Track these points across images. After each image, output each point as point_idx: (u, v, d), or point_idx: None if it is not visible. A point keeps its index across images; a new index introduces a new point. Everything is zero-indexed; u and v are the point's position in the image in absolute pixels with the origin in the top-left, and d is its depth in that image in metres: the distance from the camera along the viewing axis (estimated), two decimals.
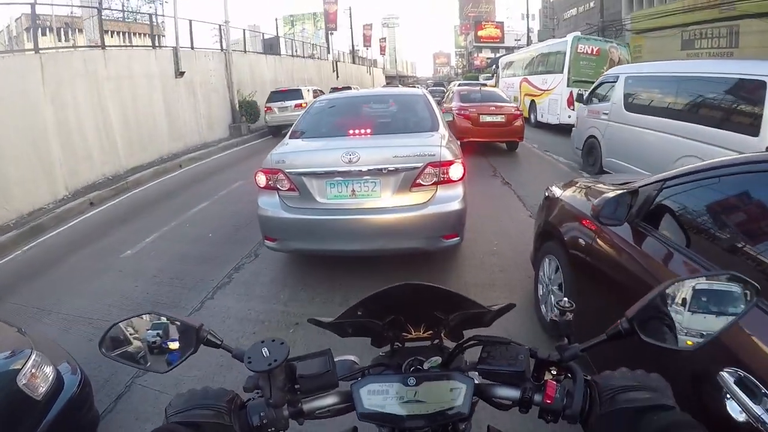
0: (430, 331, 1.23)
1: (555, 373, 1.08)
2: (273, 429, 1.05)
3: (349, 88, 26.28)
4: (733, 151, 5.87)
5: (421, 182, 5.01)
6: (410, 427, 1.05)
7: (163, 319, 1.20)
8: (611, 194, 2.99)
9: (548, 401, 1.02)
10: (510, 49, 51.70)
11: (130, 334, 1.19)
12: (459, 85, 24.30)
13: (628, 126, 9.45)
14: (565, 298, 1.13)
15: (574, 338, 1.09)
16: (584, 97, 12.23)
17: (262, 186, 5.37)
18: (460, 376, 1.06)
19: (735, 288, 1.04)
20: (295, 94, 21.25)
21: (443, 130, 5.67)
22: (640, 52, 24.53)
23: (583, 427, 1.01)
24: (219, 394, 1.08)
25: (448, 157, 5.04)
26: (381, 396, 1.06)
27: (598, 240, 3.25)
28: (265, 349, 1.03)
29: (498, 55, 57.98)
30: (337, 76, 42.83)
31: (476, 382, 1.08)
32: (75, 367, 3.17)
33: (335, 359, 1.13)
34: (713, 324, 1.02)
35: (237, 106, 21.18)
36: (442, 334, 1.25)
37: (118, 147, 13.49)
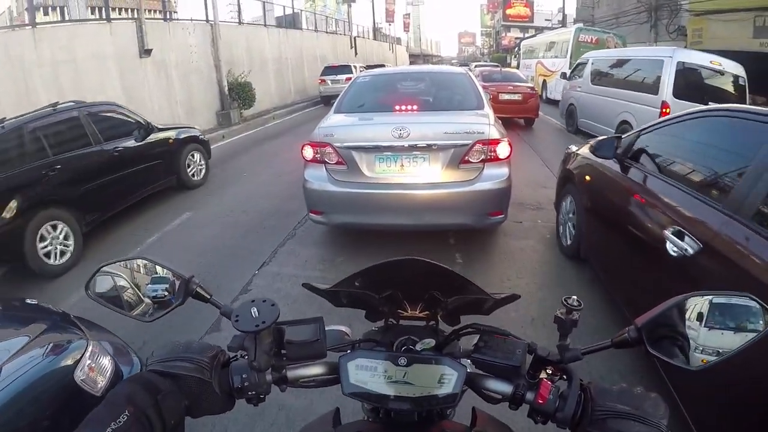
0: (427, 312, 1.21)
1: (550, 372, 1.02)
2: (254, 392, 1.03)
3: (383, 65, 26.67)
4: (646, 105, 10.41)
5: (470, 159, 5.07)
6: (393, 409, 1.04)
7: (154, 266, 1.16)
8: (603, 138, 4.69)
9: (540, 401, 0.98)
10: (540, 29, 52.27)
11: (119, 278, 1.16)
12: (477, 66, 29.31)
13: (593, 95, 13.37)
14: (574, 297, 1.03)
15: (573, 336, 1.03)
16: (567, 75, 16.71)
17: (309, 159, 5.42)
18: (453, 363, 1.02)
19: (752, 304, 0.98)
20: (345, 69, 24.88)
21: (488, 109, 5.73)
22: (701, 37, 20.30)
23: None
24: (203, 348, 1.04)
25: (496, 135, 5.11)
26: (369, 372, 1.03)
27: (598, 172, 4.71)
28: (254, 309, 0.99)
29: (527, 35, 55.58)
30: (356, 53, 39.60)
31: (468, 370, 1.04)
32: (131, 356, 2.96)
33: (326, 328, 1.09)
34: (730, 341, 0.97)
35: (226, 89, 18.36)
36: (438, 317, 1.22)
37: None
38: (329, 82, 24.83)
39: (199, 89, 17.19)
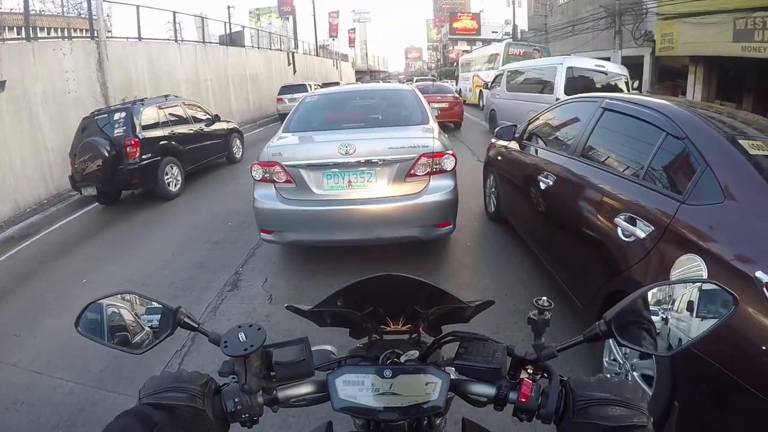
0: (409, 325, 1.26)
1: (531, 372, 1.07)
2: (247, 415, 1.05)
3: (337, 83, 29.69)
4: (546, 104, 10.76)
5: (416, 173, 5.29)
6: (385, 420, 1.06)
7: (142, 300, 1.19)
8: (503, 126, 6.95)
9: (523, 400, 1.02)
10: (487, 42, 54.90)
11: (108, 314, 1.17)
12: (416, 81, 35.87)
13: (508, 100, 16.19)
14: (544, 297, 1.11)
15: (547, 335, 1.10)
16: (489, 85, 20.73)
17: (258, 179, 5.57)
18: (436, 371, 1.06)
19: (717, 293, 1.04)
20: (302, 88, 25.56)
21: (433, 123, 6.04)
22: (671, 42, 19.15)
23: (557, 428, 1.01)
24: (193, 377, 1.06)
25: (440, 148, 5.37)
26: (356, 387, 1.06)
27: (506, 152, 6.49)
28: (242, 334, 1.04)
29: (474, 47, 58.03)
30: (295, 71, 36.76)
31: (452, 377, 1.08)
32: None
33: (312, 349, 1.14)
34: (694, 327, 1.02)
35: None
36: (420, 329, 1.28)
37: None
38: (286, 100, 25.67)
39: None
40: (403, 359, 1.13)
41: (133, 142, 9.77)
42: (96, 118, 10.31)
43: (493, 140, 7.34)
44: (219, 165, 13.48)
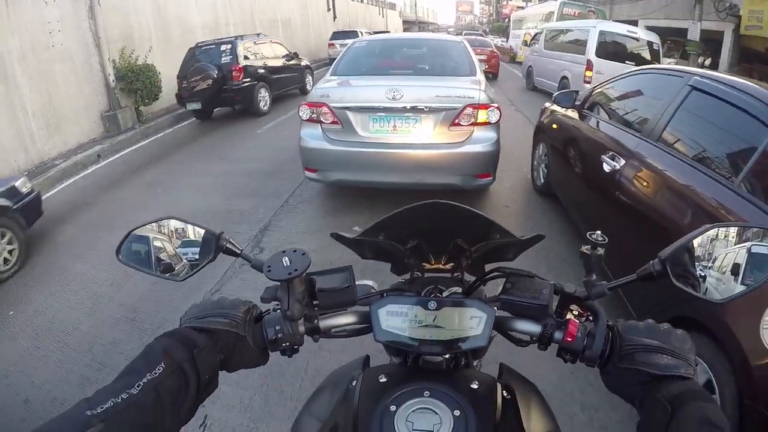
0: (451, 264, 1.27)
1: (576, 314, 1.06)
2: (288, 344, 1.06)
3: (387, 32, 31.01)
4: (577, 63, 13.74)
5: (460, 122, 5.40)
6: (426, 353, 1.07)
7: (183, 225, 1.19)
8: (563, 90, 6.13)
9: (569, 339, 1.00)
10: None
11: (149, 240, 1.18)
12: (464, 34, 35.10)
13: (544, 58, 16.75)
14: (598, 231, 1.07)
15: (599, 272, 1.06)
16: (527, 42, 22.06)
17: (305, 119, 5.77)
18: (482, 305, 1.03)
19: None
20: (353, 34, 26.09)
21: (480, 76, 6.09)
22: (760, 21, 16.73)
23: (600, 372, 1.00)
24: (235, 303, 1.06)
25: (486, 100, 5.44)
26: (399, 318, 1.04)
27: (562, 121, 5.76)
28: (286, 259, 1.01)
29: (530, 4, 52.59)
30: (335, 17, 34.72)
31: (496, 314, 1.06)
32: None
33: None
34: (749, 274, 0.97)
35: (111, 78, 12.69)
36: (463, 267, 1.27)
37: None
38: (338, 45, 26.57)
39: (69, 85, 11.56)
40: (445, 295, 1.12)
41: (237, 68, 12.65)
42: (202, 48, 13.29)
43: (547, 105, 6.78)
44: (294, 94, 16.45)
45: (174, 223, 1.18)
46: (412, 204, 1.04)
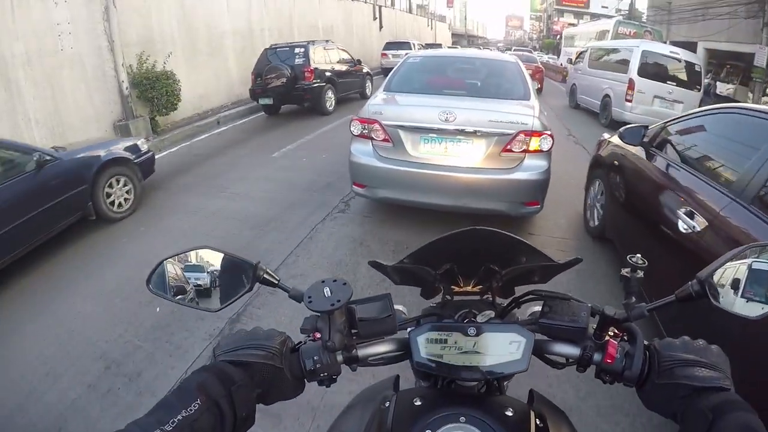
0: (480, 286, 1.26)
1: (612, 334, 1.05)
2: (326, 374, 1.04)
3: (440, 46, 32.65)
4: (619, 82, 13.66)
5: (512, 149, 5.34)
6: (467, 379, 1.06)
7: (218, 255, 1.16)
8: (631, 126, 5.00)
9: (609, 361, 1.00)
10: (596, 16, 52.98)
11: (182, 270, 1.16)
12: (513, 50, 38.06)
13: (588, 76, 16.64)
14: (638, 255, 1.08)
15: (638, 294, 1.07)
16: (573, 60, 20.99)
17: (356, 134, 5.83)
18: (521, 329, 1.04)
19: None
20: (405, 45, 28.56)
21: (534, 101, 5.99)
22: None
23: (638, 392, 1.01)
24: (270, 334, 1.05)
25: (539, 128, 5.36)
26: (439, 345, 1.04)
27: (626, 159, 5.03)
28: (327, 289, 1.02)
29: (581, 21, 56.39)
30: (381, 26, 33.87)
31: (535, 337, 1.07)
32: None
33: None
34: None
35: (125, 86, 11.87)
36: (492, 290, 1.26)
37: None
38: (390, 56, 27.94)
39: (77, 92, 10.92)
40: (479, 319, 1.10)
41: (309, 70, 13.97)
42: (276, 50, 14.71)
43: (606, 136, 6.24)
44: (355, 98, 17.49)
45: (207, 253, 1.15)
46: (451, 231, 1.05)
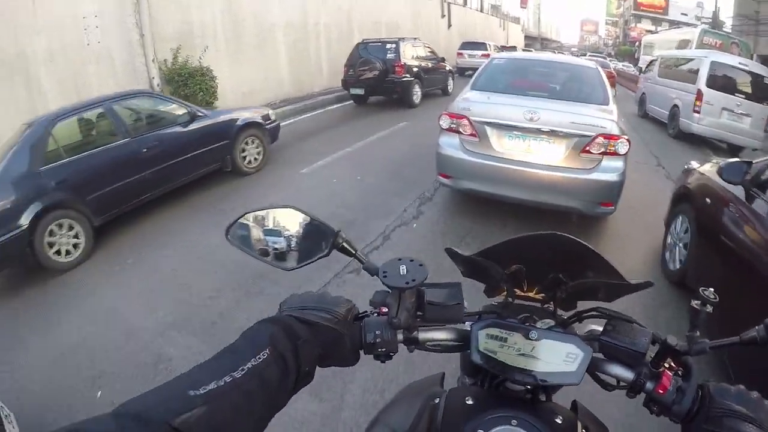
0: (543, 294, 1.22)
1: (668, 366, 1.03)
2: (384, 349, 1.05)
3: (514, 48, 33.58)
4: (688, 93, 13.19)
5: (591, 150, 5.54)
6: (518, 381, 1.04)
7: (303, 215, 1.19)
8: (733, 160, 4.30)
9: (660, 391, 0.98)
10: (674, 23, 51.59)
11: (262, 225, 1.20)
12: (588, 56, 37.41)
13: (658, 86, 16.13)
14: (711, 289, 1.03)
15: (703, 329, 1.03)
16: (644, 69, 21.06)
17: (444, 128, 6.15)
18: (581, 343, 1.02)
19: None
20: (481, 46, 28.93)
21: (613, 105, 6.24)
22: None
23: (682, 428, 0.98)
24: (338, 301, 1.07)
25: (617, 132, 5.58)
26: (498, 342, 1.04)
27: (719, 199, 4.35)
28: (403, 267, 1.03)
29: (659, 28, 53.81)
30: (450, 25, 32.60)
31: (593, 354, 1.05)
32: None
33: None
34: None
35: (156, 82, 11.42)
36: (555, 299, 1.21)
37: None
38: (466, 55, 28.43)
39: (105, 89, 9.52)
40: (539, 325, 1.07)
41: (400, 65, 14.57)
42: (368, 44, 15.38)
43: (694, 165, 5.56)
44: (437, 94, 17.91)
45: (291, 212, 1.18)
46: (531, 233, 1.03)
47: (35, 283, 5.49)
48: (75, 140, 6.40)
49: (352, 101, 16.01)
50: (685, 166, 5.75)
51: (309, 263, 1.16)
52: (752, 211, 3.82)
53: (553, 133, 5.58)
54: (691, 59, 14.44)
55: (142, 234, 6.47)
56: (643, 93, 17.80)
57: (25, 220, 5.33)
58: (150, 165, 6.74)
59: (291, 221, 1.16)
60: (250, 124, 8.47)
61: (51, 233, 5.57)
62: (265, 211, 1.18)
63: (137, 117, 7.11)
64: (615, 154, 5.51)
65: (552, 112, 5.68)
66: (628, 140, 5.57)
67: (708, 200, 4.63)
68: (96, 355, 4.18)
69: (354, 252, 1.15)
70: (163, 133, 7.09)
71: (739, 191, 4.07)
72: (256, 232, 1.17)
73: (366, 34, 19.67)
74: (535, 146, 5.69)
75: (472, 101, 6.18)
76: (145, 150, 6.70)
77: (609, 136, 5.46)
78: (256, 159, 8.62)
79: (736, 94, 12.70)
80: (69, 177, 5.87)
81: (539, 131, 5.61)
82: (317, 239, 1.15)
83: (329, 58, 18.12)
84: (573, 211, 5.86)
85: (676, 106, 13.92)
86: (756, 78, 12.89)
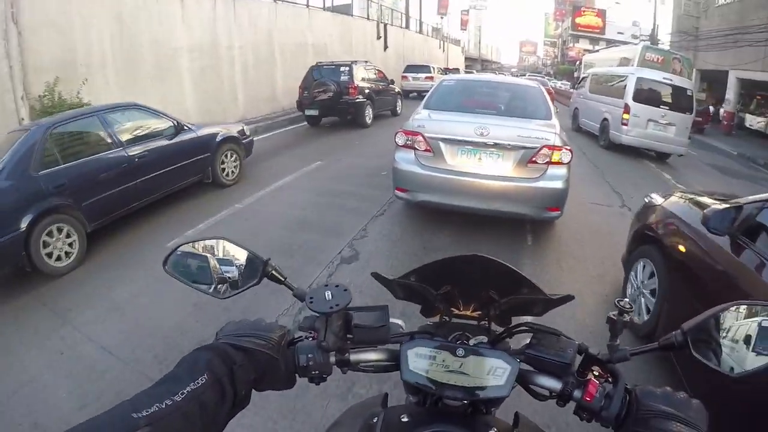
0: (479, 312, 1.27)
1: (596, 374, 1.07)
2: (317, 372, 1.10)
3: (457, 70, 37.02)
4: (616, 107, 14.22)
5: (536, 160, 5.92)
6: (449, 397, 1.08)
7: (235, 247, 1.25)
8: (720, 207, 3.53)
9: (587, 399, 1.02)
10: (611, 42, 51.55)
11: (197, 256, 1.25)
12: (528, 76, 40.24)
13: (589, 101, 17.28)
14: (626, 299, 1.10)
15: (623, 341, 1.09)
16: (575, 85, 23.81)
17: (400, 144, 6.44)
18: (507, 357, 1.07)
19: None
20: (425, 69, 30.01)
21: (555, 120, 6.66)
22: None
23: None
24: (271, 327, 1.11)
25: (560, 143, 5.97)
26: (427, 360, 1.08)
27: (698, 246, 3.74)
28: (329, 293, 1.07)
29: (597, 47, 52.95)
30: (386, 47, 31.26)
31: (520, 367, 1.09)
32: None
33: None
34: (752, 359, 1.00)
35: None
36: (489, 317, 1.26)
37: None
38: (410, 78, 29.28)
39: None
40: (471, 343, 1.11)
41: (353, 87, 15.30)
42: (322, 67, 15.90)
43: (655, 199, 4.98)
44: (386, 115, 18.77)
45: (223, 244, 1.23)
46: (455, 255, 1.08)
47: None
48: (70, 147, 6.51)
49: (305, 123, 16.35)
50: (646, 200, 5.25)
51: (241, 291, 1.22)
52: (746, 265, 3.29)
53: (501, 146, 5.96)
54: (620, 76, 15.55)
55: (132, 241, 6.69)
56: (576, 108, 19.21)
57: (23, 223, 5.39)
58: (140, 174, 7.02)
59: (225, 252, 1.22)
60: (228, 139, 8.96)
61: (47, 237, 5.65)
62: (201, 242, 1.22)
63: (128, 128, 7.30)
64: (559, 163, 5.93)
65: (500, 127, 6.06)
66: (570, 150, 6.01)
67: (680, 247, 4.06)
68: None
69: (283, 279, 1.22)
70: (151, 143, 7.38)
71: (723, 239, 3.54)
72: (191, 263, 1.22)
73: (289, 57, 19.19)
74: (485, 159, 6.06)
75: (426, 119, 6.51)
76: (136, 160, 6.98)
77: (553, 147, 5.88)
78: (233, 172, 9.14)
79: (661, 106, 13.85)
80: (67, 183, 5.98)
81: (489, 145, 5.97)
82: (249, 268, 1.21)
83: (246, 83, 16.78)
84: (522, 218, 6.32)
85: (606, 119, 15.12)
86: (679, 90, 14.11)
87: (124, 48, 11.79)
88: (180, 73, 13.82)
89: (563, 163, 5.94)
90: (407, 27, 38.62)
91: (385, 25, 31.18)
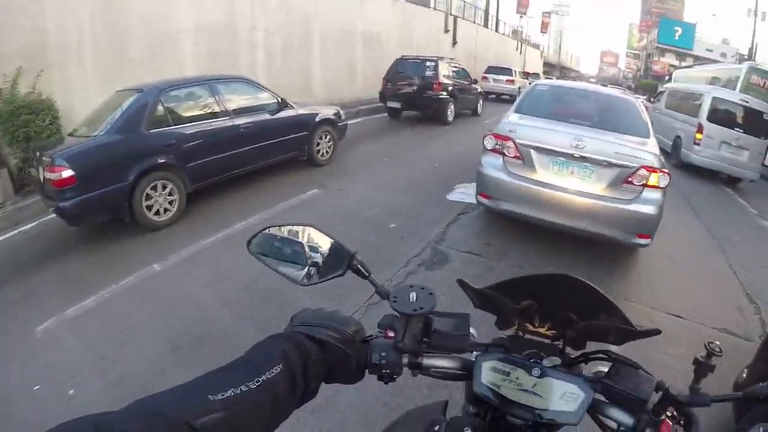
0: (554, 331, 1.23)
1: (670, 415, 1.03)
2: (388, 371, 1.06)
3: (537, 75, 33.95)
4: (690, 125, 13.48)
5: (632, 181, 5.55)
6: (518, 416, 1.05)
7: (322, 235, 1.23)
8: None
9: None
10: (700, 58, 49.18)
11: (284, 240, 1.24)
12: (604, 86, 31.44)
13: (664, 117, 16.27)
14: (717, 342, 1.04)
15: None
16: (651, 99, 23.75)
17: (489, 148, 6.14)
18: (583, 385, 1.03)
19: None
20: (507, 71, 28.12)
21: (653, 140, 6.26)
22: None
23: None
24: (347, 320, 1.08)
25: (659, 165, 5.60)
26: (501, 376, 1.06)
27: None
28: (413, 294, 1.06)
29: (683, 63, 49.56)
30: (454, 42, 28.36)
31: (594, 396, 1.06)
32: None
33: None
34: None
35: None
36: (565, 338, 1.22)
37: None
38: (491, 80, 27.73)
39: None
40: (545, 363, 1.09)
41: (438, 83, 15.00)
42: (406, 61, 15.87)
43: None
44: (467, 114, 18.30)
45: (311, 231, 1.22)
46: (543, 271, 1.07)
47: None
48: (181, 110, 6.85)
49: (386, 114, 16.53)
50: (764, 338, 3.78)
51: (324, 281, 1.20)
52: None
53: (596, 162, 5.61)
54: (697, 93, 14.85)
55: (229, 205, 7.14)
56: (651, 122, 17.40)
57: (130, 176, 5.71)
58: (244, 143, 7.44)
59: (310, 239, 1.21)
60: (325, 120, 9.37)
61: (149, 193, 6.07)
62: (287, 227, 1.22)
63: (235, 99, 7.64)
64: (656, 187, 5.54)
65: (597, 141, 5.70)
66: (669, 174, 5.60)
67: None
68: None
69: (367, 275, 1.18)
70: (256, 116, 7.79)
71: None
72: (276, 246, 1.22)
73: (331, 46, 17.11)
74: (578, 173, 5.72)
75: (517, 124, 6.23)
76: (241, 129, 7.39)
77: (651, 169, 5.50)
78: (327, 152, 9.59)
79: (736, 129, 13.05)
80: (175, 143, 6.31)
81: (584, 159, 5.63)
82: (334, 259, 1.19)
83: (270, 72, 13.98)
84: (610, 240, 5.80)
85: (679, 137, 14.51)
86: (755, 114, 13.22)
87: (106, 29, 9.59)
88: (180, 59, 11.26)
89: (660, 188, 5.56)
90: (485, 25, 36.59)
91: (455, 18, 28.09)
